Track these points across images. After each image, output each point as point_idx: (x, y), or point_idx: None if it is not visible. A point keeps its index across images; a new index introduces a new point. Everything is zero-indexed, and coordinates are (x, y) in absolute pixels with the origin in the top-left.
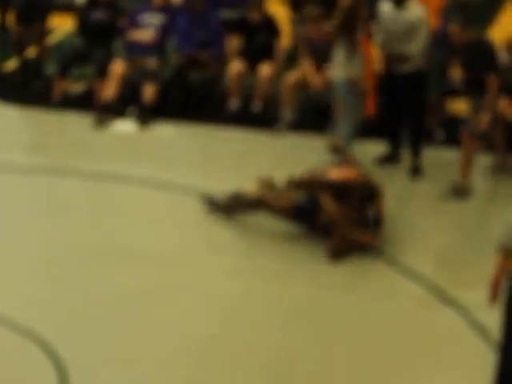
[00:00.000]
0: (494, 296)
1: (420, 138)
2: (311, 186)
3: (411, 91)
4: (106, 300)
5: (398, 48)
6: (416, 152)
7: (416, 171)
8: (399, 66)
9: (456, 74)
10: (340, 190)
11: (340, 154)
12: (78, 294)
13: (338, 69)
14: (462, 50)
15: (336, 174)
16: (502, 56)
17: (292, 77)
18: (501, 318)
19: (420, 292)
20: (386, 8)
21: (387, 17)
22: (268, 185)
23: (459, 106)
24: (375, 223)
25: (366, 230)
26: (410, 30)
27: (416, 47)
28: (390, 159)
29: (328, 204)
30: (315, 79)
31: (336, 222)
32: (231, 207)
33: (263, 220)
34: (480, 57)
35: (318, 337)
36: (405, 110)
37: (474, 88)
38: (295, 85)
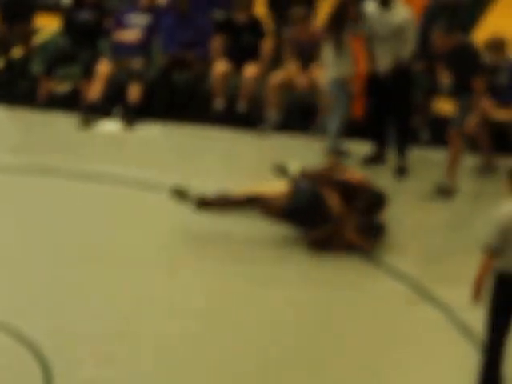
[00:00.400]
0: (477, 295)
1: (406, 138)
2: (321, 179)
3: (397, 91)
4: (88, 299)
5: (385, 49)
6: (402, 152)
7: (402, 171)
8: (385, 67)
9: (443, 76)
10: (350, 191)
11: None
12: (61, 294)
13: (328, 68)
14: (446, 55)
15: (350, 175)
16: (486, 57)
17: (277, 77)
18: (484, 317)
19: (405, 290)
20: (370, 8)
21: (372, 17)
22: (282, 170)
23: (444, 106)
24: (377, 231)
25: (366, 235)
26: (397, 32)
27: (404, 48)
28: (375, 159)
29: (333, 200)
30: (300, 80)
31: (337, 218)
32: (216, 204)
33: (246, 220)
34: (465, 60)
35: (305, 336)
36: (391, 111)
37: (461, 89)
38: (280, 85)
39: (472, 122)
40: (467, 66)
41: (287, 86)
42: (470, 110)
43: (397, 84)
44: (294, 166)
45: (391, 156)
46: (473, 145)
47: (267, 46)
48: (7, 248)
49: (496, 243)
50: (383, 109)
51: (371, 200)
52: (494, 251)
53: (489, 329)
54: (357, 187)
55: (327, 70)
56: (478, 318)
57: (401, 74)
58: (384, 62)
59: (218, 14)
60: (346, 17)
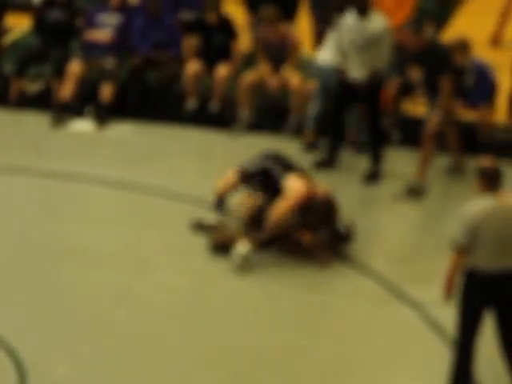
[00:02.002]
0: (448, 293)
1: (380, 145)
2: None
3: (370, 99)
4: (61, 299)
5: (361, 58)
6: (376, 158)
7: (374, 176)
8: (361, 75)
9: (414, 74)
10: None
11: None
12: (33, 294)
13: (327, 53)
14: (416, 54)
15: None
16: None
17: (248, 77)
18: (455, 315)
19: (377, 290)
20: (347, 18)
21: (349, 27)
22: (198, 225)
23: (415, 107)
24: (345, 237)
25: (330, 245)
26: (373, 41)
27: (380, 58)
28: (326, 163)
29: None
30: (272, 81)
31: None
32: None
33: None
34: (433, 59)
35: (278, 335)
36: (364, 118)
37: (431, 88)
38: (252, 85)
39: (434, 121)
40: (435, 65)
41: (258, 87)
42: (435, 110)
43: (371, 92)
44: (209, 220)
45: (344, 159)
46: (442, 145)
47: (238, 46)
48: None
49: (464, 240)
50: (342, 114)
51: (321, 209)
52: (462, 248)
53: (460, 327)
54: (309, 200)
55: (327, 54)
56: (449, 315)
57: (375, 83)
58: (359, 70)
59: (188, 15)
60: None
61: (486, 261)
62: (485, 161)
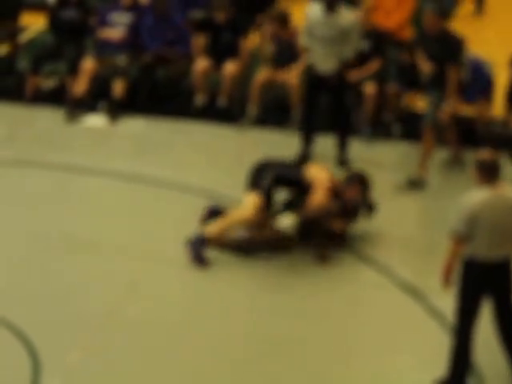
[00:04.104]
0: (447, 281)
1: (346, 133)
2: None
3: (339, 90)
4: (74, 289)
5: (330, 51)
6: (343, 146)
7: (343, 163)
8: (330, 68)
9: (425, 68)
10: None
11: None
12: (47, 284)
13: None
14: (431, 38)
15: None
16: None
17: (262, 75)
18: (454, 303)
19: (377, 278)
20: (315, 11)
21: (317, 20)
22: None
23: (416, 102)
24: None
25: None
26: (343, 34)
27: (348, 49)
28: (303, 158)
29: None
30: (285, 77)
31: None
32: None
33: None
34: (446, 48)
35: (282, 324)
36: (331, 109)
37: (437, 81)
38: (265, 82)
39: (446, 111)
40: (447, 54)
41: (271, 84)
42: (443, 102)
43: (339, 83)
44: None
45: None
46: (441, 139)
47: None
48: None
49: (463, 229)
50: (314, 107)
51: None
52: (460, 237)
53: (458, 314)
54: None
55: None
56: (449, 303)
57: (343, 74)
58: (328, 63)
59: (198, 14)
60: None
61: (484, 249)
62: (483, 153)
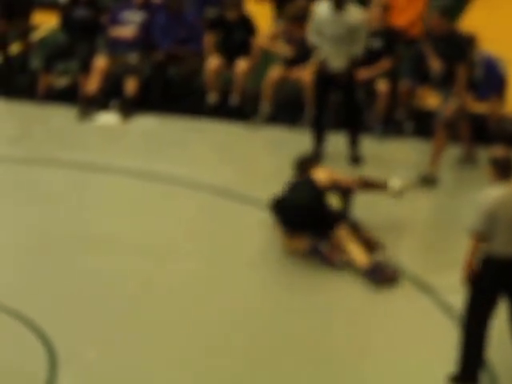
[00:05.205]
0: (468, 277)
1: (357, 130)
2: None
3: (349, 87)
4: (89, 285)
5: (339, 49)
6: (355, 143)
7: (356, 160)
8: (339, 65)
9: (435, 66)
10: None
11: None
12: (63, 280)
13: None
14: (438, 38)
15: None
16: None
17: (276, 72)
18: (468, 299)
19: None
20: (323, 9)
21: (325, 18)
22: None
23: (429, 99)
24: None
25: None
26: (352, 32)
27: (356, 47)
28: (315, 157)
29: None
30: (301, 75)
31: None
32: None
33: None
34: (453, 46)
35: (294, 320)
36: (342, 106)
37: (447, 79)
38: (278, 80)
39: (450, 108)
40: (455, 52)
41: (284, 81)
42: (451, 98)
43: (349, 81)
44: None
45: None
46: (454, 136)
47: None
48: (10, 235)
49: (482, 227)
50: (326, 106)
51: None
52: (480, 235)
53: (471, 311)
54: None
55: None
56: (462, 300)
57: (353, 72)
58: (337, 61)
59: (211, 12)
60: None
61: (502, 246)
62: (497, 151)
